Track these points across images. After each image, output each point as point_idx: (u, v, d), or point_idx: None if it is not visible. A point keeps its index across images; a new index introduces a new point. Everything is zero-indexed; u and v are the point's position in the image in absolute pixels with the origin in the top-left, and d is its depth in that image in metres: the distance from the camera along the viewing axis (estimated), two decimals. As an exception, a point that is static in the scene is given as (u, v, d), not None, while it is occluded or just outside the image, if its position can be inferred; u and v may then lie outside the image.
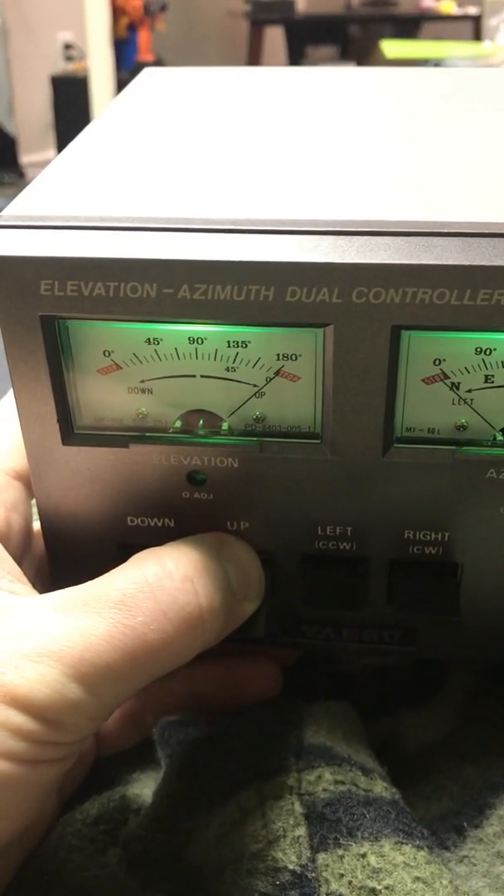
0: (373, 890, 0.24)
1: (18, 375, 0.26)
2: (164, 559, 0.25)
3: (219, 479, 0.27)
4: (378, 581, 0.29)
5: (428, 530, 0.28)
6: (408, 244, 0.23)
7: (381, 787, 0.28)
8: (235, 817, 0.27)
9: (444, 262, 0.23)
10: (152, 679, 0.24)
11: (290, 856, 0.25)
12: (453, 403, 0.26)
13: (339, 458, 0.26)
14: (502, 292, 0.23)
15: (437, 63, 2.01)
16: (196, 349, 0.26)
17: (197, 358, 0.26)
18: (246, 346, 0.26)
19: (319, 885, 0.25)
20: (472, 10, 3.48)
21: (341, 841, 0.25)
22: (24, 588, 0.27)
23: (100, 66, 2.52)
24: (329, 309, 0.24)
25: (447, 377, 0.25)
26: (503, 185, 0.27)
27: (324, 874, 0.25)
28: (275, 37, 3.88)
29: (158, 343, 0.26)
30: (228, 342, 0.26)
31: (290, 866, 0.25)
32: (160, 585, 0.24)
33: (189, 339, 0.26)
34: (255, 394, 0.26)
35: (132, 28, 3.20)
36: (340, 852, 0.25)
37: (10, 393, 0.27)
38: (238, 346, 0.26)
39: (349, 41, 3.93)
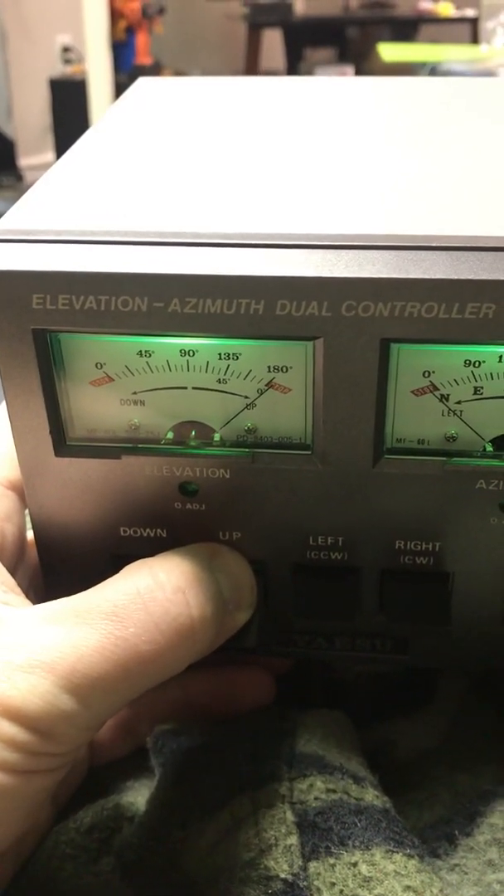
0: None
1: (11, 387, 0.26)
2: (155, 570, 0.26)
3: (211, 490, 0.27)
4: (370, 590, 0.29)
5: (419, 540, 0.28)
6: (397, 258, 0.24)
7: (372, 796, 0.28)
8: (228, 826, 0.27)
9: (433, 276, 0.23)
10: (144, 690, 0.25)
11: (282, 864, 0.25)
12: (443, 415, 0.26)
13: (330, 468, 0.27)
14: (490, 306, 0.23)
15: (434, 66, 2.01)
16: (188, 361, 0.26)
17: (188, 370, 0.26)
18: (237, 358, 0.26)
19: (311, 894, 0.25)
20: (469, 13, 3.48)
21: (333, 849, 0.26)
22: (18, 598, 0.27)
23: (98, 69, 2.52)
24: (319, 322, 0.24)
25: (436, 389, 0.26)
26: (492, 198, 0.27)
27: (315, 883, 0.25)
28: (273, 39, 3.88)
29: (150, 355, 0.26)
30: (220, 354, 0.26)
31: (282, 875, 0.25)
32: (152, 597, 0.25)
33: (181, 351, 0.26)
34: (246, 405, 0.27)
35: (130, 31, 3.20)
36: (332, 861, 0.25)
37: (3, 405, 0.27)
38: (229, 359, 0.26)
39: (347, 43, 3.93)
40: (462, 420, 0.26)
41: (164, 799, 0.29)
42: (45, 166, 0.29)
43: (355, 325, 0.24)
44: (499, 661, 0.30)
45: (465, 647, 0.30)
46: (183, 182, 0.29)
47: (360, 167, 0.30)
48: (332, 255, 0.24)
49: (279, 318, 0.24)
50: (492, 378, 0.25)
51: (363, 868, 0.25)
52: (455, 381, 0.25)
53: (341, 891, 0.25)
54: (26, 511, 0.30)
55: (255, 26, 3.69)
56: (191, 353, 0.26)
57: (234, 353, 0.26)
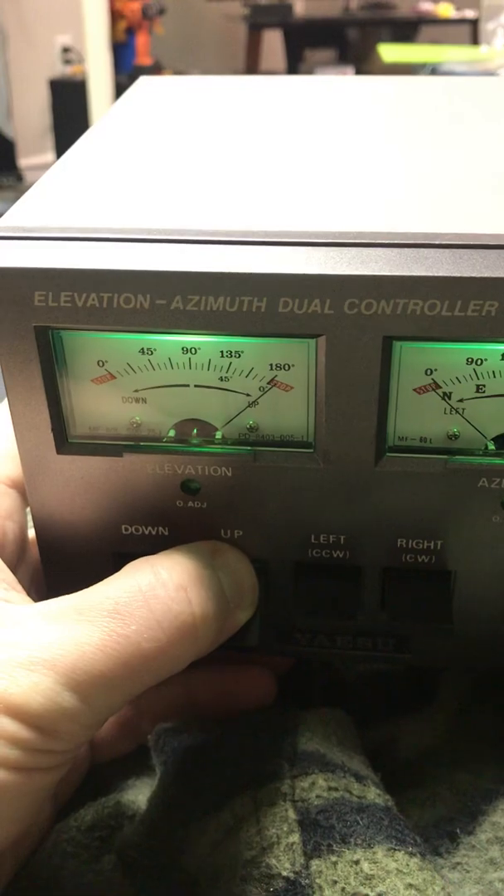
0: None
1: (13, 385, 0.26)
2: (157, 568, 0.26)
3: (213, 488, 0.27)
4: (371, 589, 0.29)
5: (421, 539, 0.28)
6: (399, 256, 0.24)
7: (374, 794, 0.28)
8: (230, 824, 0.27)
9: (435, 274, 0.23)
10: (146, 687, 0.25)
11: (283, 862, 0.25)
12: (445, 413, 0.26)
13: (332, 467, 0.26)
14: (492, 303, 0.23)
15: (434, 67, 2.01)
16: (190, 359, 0.26)
17: (191, 368, 0.26)
18: (239, 356, 0.26)
19: (313, 892, 0.25)
20: (469, 14, 3.48)
21: (335, 847, 0.26)
22: (19, 596, 0.27)
23: (98, 70, 2.52)
24: (321, 320, 0.24)
25: (439, 387, 0.26)
26: (493, 196, 0.27)
27: (317, 881, 0.25)
28: (273, 40, 3.88)
29: (152, 353, 0.26)
30: (222, 352, 0.26)
31: (284, 873, 0.25)
32: (154, 594, 0.25)
33: (183, 349, 0.26)
34: (248, 403, 0.27)
35: (130, 32, 3.20)
36: (334, 859, 0.25)
37: (5, 402, 0.27)
38: (231, 356, 0.26)
39: (347, 44, 3.93)
40: (464, 418, 0.26)
41: (166, 797, 0.29)
42: (45, 166, 0.29)
43: (357, 322, 0.24)
44: (501, 659, 0.30)
45: (467, 645, 0.30)
46: (185, 179, 0.29)
47: (362, 165, 0.30)
48: (334, 253, 0.24)
49: (281, 315, 0.24)
50: (494, 376, 0.25)
51: (365, 866, 0.25)
52: (457, 378, 0.25)
53: (343, 889, 0.25)
54: (28, 509, 0.30)
55: (256, 27, 3.69)
56: (193, 351, 0.26)
57: (236, 351, 0.26)
